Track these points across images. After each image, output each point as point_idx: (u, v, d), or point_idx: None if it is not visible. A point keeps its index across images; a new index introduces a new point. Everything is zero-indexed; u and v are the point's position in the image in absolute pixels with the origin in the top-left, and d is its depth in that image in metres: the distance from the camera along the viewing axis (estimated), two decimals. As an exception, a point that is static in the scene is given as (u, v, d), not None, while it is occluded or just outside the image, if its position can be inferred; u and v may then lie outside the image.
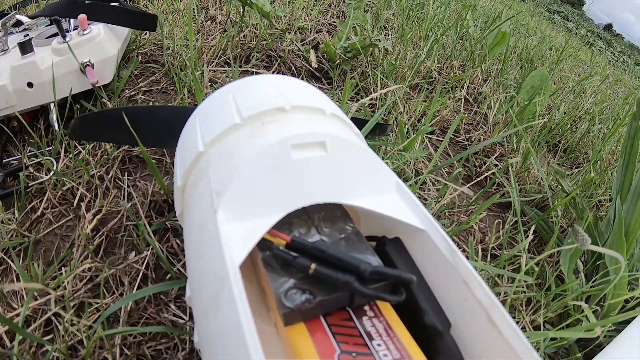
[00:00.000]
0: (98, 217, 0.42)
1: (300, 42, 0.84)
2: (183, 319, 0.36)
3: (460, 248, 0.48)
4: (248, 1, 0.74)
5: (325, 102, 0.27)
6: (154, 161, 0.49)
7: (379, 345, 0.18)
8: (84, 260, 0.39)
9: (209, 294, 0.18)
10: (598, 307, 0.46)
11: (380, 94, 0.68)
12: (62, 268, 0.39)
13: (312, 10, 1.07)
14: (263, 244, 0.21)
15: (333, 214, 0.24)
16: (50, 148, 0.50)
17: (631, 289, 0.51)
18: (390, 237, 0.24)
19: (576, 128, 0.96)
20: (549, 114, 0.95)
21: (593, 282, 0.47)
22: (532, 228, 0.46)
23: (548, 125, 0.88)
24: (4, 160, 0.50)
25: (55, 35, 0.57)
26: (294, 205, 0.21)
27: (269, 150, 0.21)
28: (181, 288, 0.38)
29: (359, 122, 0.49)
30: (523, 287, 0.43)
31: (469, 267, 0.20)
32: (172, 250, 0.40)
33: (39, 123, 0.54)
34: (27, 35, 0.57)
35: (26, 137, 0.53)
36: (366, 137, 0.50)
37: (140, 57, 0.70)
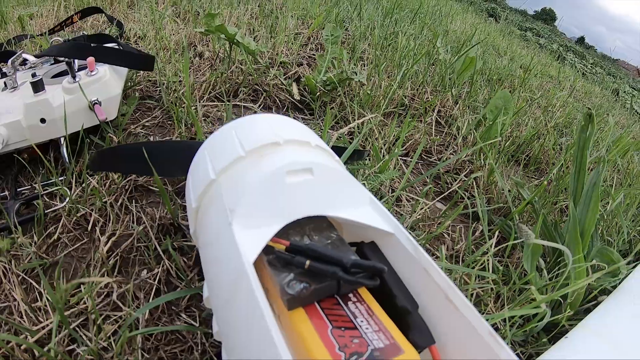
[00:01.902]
0: (113, 239, 0.47)
1: (283, 76, 0.91)
2: (194, 325, 0.41)
3: (433, 255, 0.54)
4: (235, 40, 0.81)
5: (311, 136, 0.34)
6: (158, 189, 0.55)
7: (362, 322, 0.24)
8: (103, 276, 0.44)
9: (228, 287, 0.24)
10: (561, 299, 0.52)
11: (357, 124, 0.75)
12: (81, 285, 0.44)
13: (292, 44, 1.14)
14: (267, 249, 0.26)
15: (320, 225, 0.30)
16: (62, 178, 0.55)
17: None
18: (367, 241, 0.30)
19: (542, 141, 1.04)
20: (517, 129, 1.03)
21: (556, 276, 0.53)
22: (497, 233, 0.53)
23: (517, 141, 0.95)
24: (17, 190, 0.55)
25: (61, 74, 0.63)
26: (290, 219, 0.27)
27: (268, 177, 0.27)
28: (191, 298, 0.43)
29: (339, 150, 0.55)
30: (490, 283, 0.50)
31: (429, 259, 0.26)
32: (179, 267, 0.46)
33: (48, 155, 0.59)
34: (35, 73, 0.63)
35: (35, 169, 0.58)
36: (345, 163, 0.56)
37: (137, 93, 0.76)
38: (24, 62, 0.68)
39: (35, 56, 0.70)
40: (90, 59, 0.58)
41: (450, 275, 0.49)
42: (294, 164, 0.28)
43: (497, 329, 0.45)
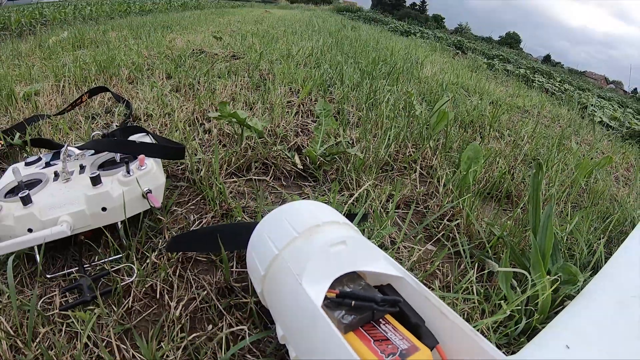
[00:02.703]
0: (182, 303, 0.61)
1: (286, 148, 1.07)
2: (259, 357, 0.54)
3: (429, 287, 0.69)
4: (245, 123, 0.97)
5: (338, 216, 0.49)
6: (205, 259, 0.69)
7: (391, 335, 0.38)
8: (179, 334, 0.57)
9: (305, 324, 0.38)
10: (533, 308, 0.66)
11: (359, 193, 0.90)
12: (161, 342, 0.55)
13: (287, 114, 1.31)
14: (324, 298, 0.41)
15: (352, 276, 0.45)
16: (120, 255, 0.66)
17: (555, 290, 0.69)
18: (384, 284, 0.45)
19: (513, 177, 1.20)
20: (490, 168, 1.19)
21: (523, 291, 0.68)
22: (477, 264, 0.68)
23: (491, 180, 1.12)
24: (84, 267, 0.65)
25: (105, 163, 0.75)
26: (335, 276, 0.42)
27: (319, 250, 0.42)
28: (253, 341, 0.56)
29: (351, 216, 0.72)
30: (475, 303, 0.64)
31: (427, 290, 0.41)
32: (235, 319, 0.59)
33: (103, 236, 0.70)
34: (82, 164, 0.74)
35: (90, 248, 0.68)
36: (357, 226, 0.72)
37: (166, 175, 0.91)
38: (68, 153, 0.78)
39: (78, 148, 0.82)
40: (142, 156, 0.71)
41: (444, 301, 0.64)
42: (333, 239, 0.43)
43: (484, 335, 0.60)
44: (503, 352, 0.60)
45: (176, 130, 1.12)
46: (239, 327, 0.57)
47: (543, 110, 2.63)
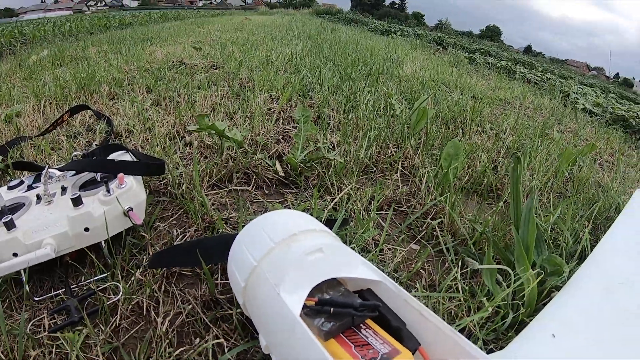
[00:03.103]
0: (169, 318, 0.61)
1: (267, 156, 1.07)
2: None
3: (413, 288, 0.69)
4: (224, 134, 0.97)
5: (315, 224, 0.49)
6: (189, 273, 0.69)
7: (372, 340, 0.38)
8: (167, 349, 0.56)
9: (285, 333, 0.38)
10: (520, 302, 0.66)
11: (340, 197, 0.90)
12: (149, 359, 0.55)
13: (267, 121, 1.31)
14: (304, 306, 0.41)
15: (332, 283, 0.45)
16: (106, 274, 0.66)
17: (541, 282, 0.70)
18: (364, 289, 0.45)
19: (496, 170, 1.21)
20: (472, 164, 1.20)
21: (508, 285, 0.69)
22: (461, 261, 0.69)
23: (473, 175, 1.12)
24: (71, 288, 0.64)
25: (86, 184, 0.75)
26: (313, 284, 0.42)
27: (296, 259, 0.42)
28: (240, 352, 0.56)
29: (329, 222, 0.72)
30: (461, 300, 0.65)
31: (406, 293, 0.41)
32: (222, 331, 0.59)
33: (87, 256, 0.69)
34: (64, 186, 0.74)
35: (76, 268, 0.68)
36: (337, 231, 0.72)
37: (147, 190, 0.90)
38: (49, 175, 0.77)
39: (59, 169, 0.80)
40: (121, 175, 0.72)
41: (428, 301, 0.65)
42: (310, 247, 0.43)
43: (470, 332, 0.60)
44: (491, 348, 0.61)
45: (157, 145, 1.12)
46: (225, 339, 0.57)
47: (525, 101, 2.65)
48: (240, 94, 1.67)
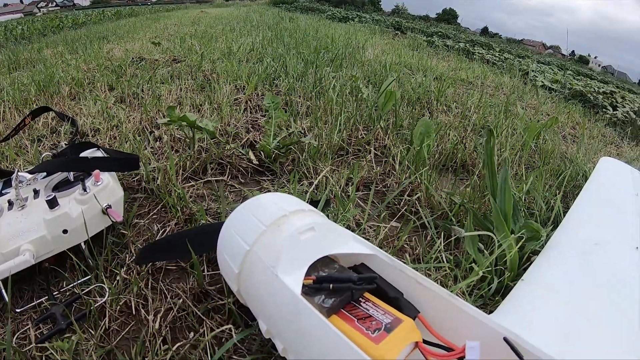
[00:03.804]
0: (160, 314, 0.60)
1: (240, 146, 1.06)
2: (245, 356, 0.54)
3: (402, 262, 0.70)
4: (196, 125, 0.96)
5: (303, 204, 0.50)
6: (175, 267, 0.68)
7: (373, 312, 0.39)
8: (162, 346, 0.56)
9: (288, 314, 0.39)
10: (503, 267, 0.69)
11: (318, 180, 0.91)
12: (144, 358, 0.54)
13: (236, 112, 1.30)
14: (302, 286, 0.41)
15: (325, 260, 0.45)
16: (88, 277, 0.64)
17: (521, 247, 0.72)
18: (358, 264, 0.46)
19: (465, 146, 1.24)
20: (442, 141, 1.23)
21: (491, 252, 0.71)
22: (442, 233, 0.71)
23: (444, 152, 1.15)
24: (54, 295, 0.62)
25: (59, 184, 0.72)
26: (309, 263, 0.43)
27: (289, 239, 0.42)
28: (238, 341, 0.56)
29: (314, 203, 0.72)
30: (447, 270, 0.67)
31: (400, 262, 0.42)
32: (216, 323, 0.59)
33: (68, 260, 0.67)
34: (36, 189, 0.70)
35: (57, 273, 0.66)
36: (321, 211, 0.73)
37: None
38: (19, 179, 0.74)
39: (29, 172, 0.78)
40: (96, 172, 0.70)
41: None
42: (302, 227, 0.44)
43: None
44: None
45: (126, 142, 1.09)
46: (220, 330, 0.57)
47: (486, 81, 2.72)
48: (205, 86, 1.65)
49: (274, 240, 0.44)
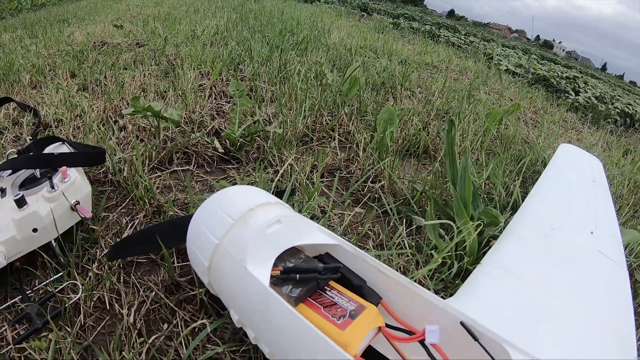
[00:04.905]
0: (133, 308, 0.61)
1: (205, 134, 1.07)
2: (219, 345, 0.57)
3: (363, 248, 0.74)
4: (161, 115, 0.96)
5: (269, 197, 0.52)
6: (145, 261, 0.70)
7: (338, 299, 0.42)
8: (138, 339, 0.57)
9: (258, 305, 0.41)
10: (463, 252, 0.73)
11: (284, 169, 0.93)
12: (122, 352, 0.55)
13: (201, 98, 1.30)
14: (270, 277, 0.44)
15: (291, 251, 0.48)
16: (60, 274, 0.64)
17: (480, 233, 0.77)
18: (323, 253, 0.49)
19: (428, 132, 1.28)
20: (406, 127, 1.26)
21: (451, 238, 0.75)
22: (404, 220, 0.74)
23: (407, 138, 1.18)
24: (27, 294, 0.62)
25: (25, 181, 0.71)
26: (276, 255, 0.45)
27: (256, 232, 0.45)
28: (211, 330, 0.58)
29: (279, 193, 0.75)
30: (409, 256, 0.70)
31: (362, 252, 0.45)
32: (189, 313, 0.61)
33: (38, 258, 0.67)
34: (2, 187, 0.69)
35: (28, 272, 0.66)
36: (286, 202, 0.75)
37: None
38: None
39: None
40: (63, 168, 0.69)
41: (379, 259, 0.69)
42: (268, 220, 0.46)
43: (421, 284, 0.66)
44: (442, 296, 0.67)
45: (90, 132, 1.08)
46: (193, 319, 0.59)
47: (451, 65, 2.77)
48: (169, 72, 1.62)
49: (242, 233, 0.46)
